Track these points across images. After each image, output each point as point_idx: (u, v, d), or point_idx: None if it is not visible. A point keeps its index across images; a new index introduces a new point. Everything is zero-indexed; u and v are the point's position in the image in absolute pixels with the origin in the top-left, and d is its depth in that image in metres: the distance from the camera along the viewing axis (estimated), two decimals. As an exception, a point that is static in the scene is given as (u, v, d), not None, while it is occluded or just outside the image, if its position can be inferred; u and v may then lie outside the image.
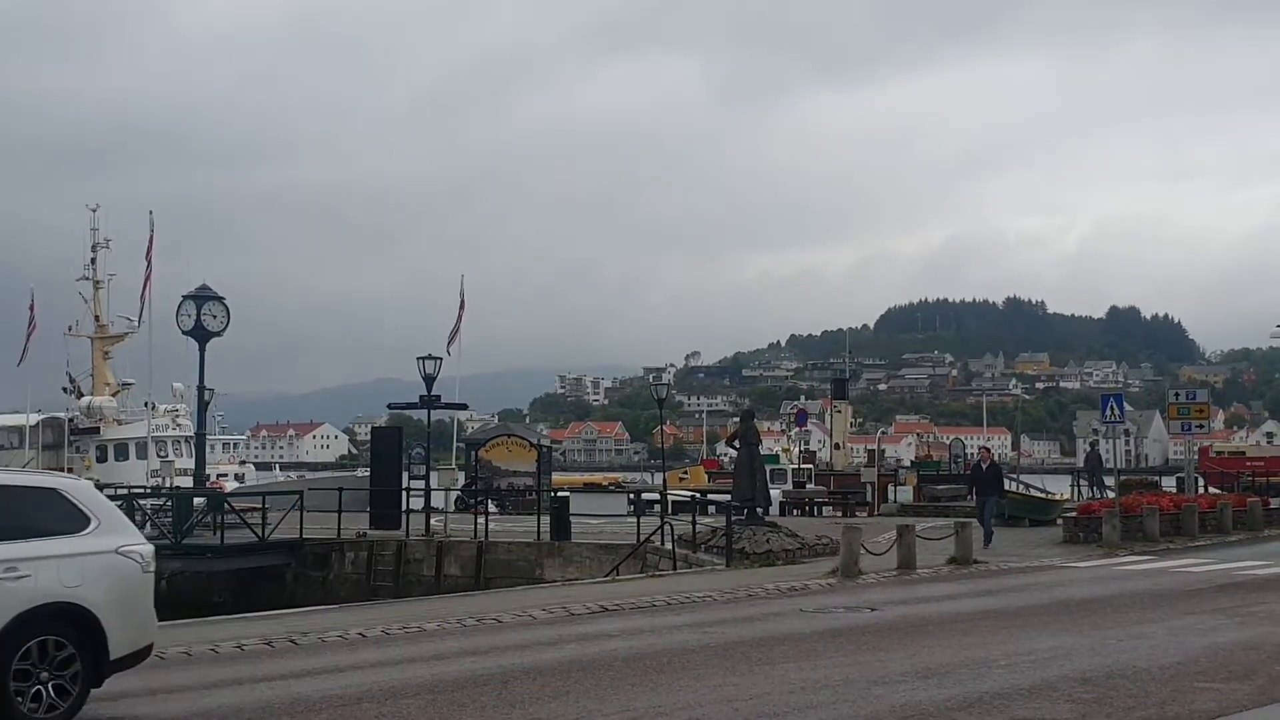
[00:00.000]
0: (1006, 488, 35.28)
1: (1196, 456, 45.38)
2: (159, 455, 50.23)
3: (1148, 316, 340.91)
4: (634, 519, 30.66)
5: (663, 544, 26.96)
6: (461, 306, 50.01)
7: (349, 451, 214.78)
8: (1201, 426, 37.42)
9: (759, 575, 22.62)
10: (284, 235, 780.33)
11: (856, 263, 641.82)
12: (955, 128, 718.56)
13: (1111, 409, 31.53)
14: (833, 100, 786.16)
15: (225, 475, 66.28)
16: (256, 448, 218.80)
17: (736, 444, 28.34)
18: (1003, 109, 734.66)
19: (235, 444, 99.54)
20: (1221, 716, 10.26)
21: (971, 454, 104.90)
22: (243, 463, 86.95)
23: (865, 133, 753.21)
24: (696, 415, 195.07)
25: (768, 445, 62.54)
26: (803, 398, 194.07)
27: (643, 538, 27.56)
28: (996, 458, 33.20)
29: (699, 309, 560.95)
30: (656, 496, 43.57)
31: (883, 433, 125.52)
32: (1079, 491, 47.84)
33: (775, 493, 40.03)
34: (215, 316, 30.85)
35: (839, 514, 42.71)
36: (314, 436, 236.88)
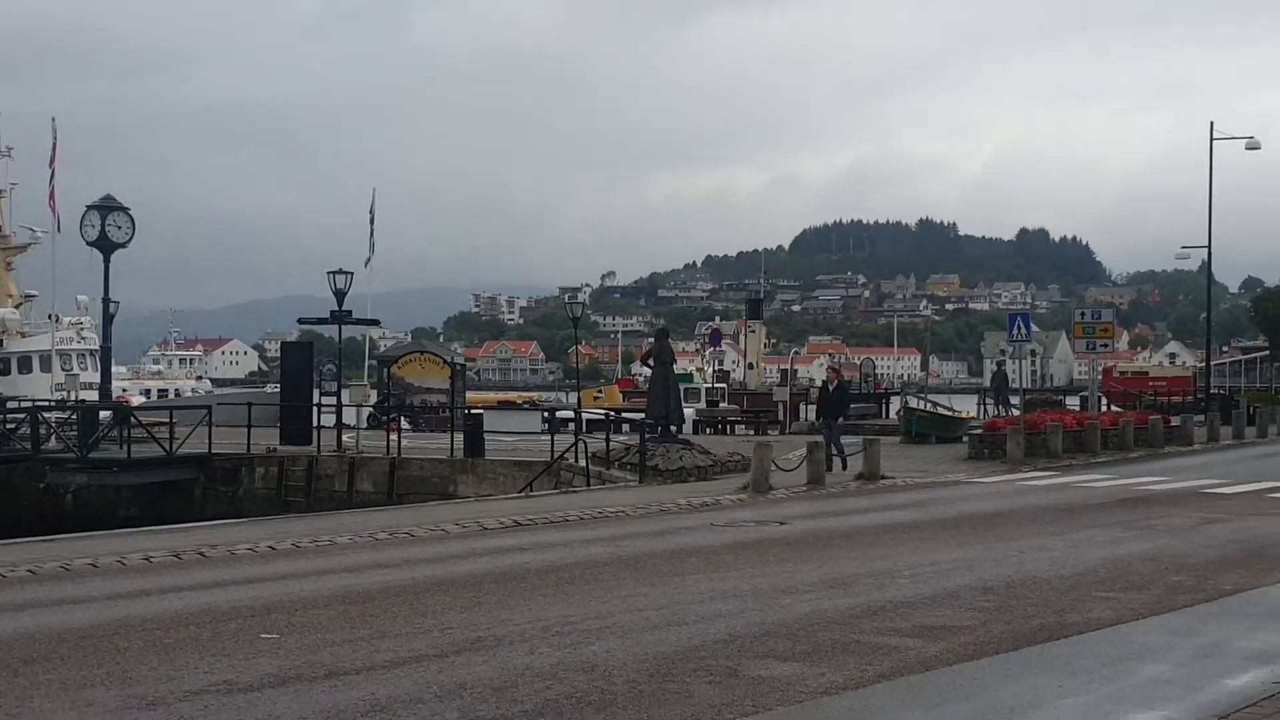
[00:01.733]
0: (852, 410, 34.69)
1: (1100, 376, 46.28)
2: (63, 369, 49.29)
3: (1056, 239, 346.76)
4: (548, 437, 30.74)
5: (576, 461, 27.05)
6: (372, 220, 49.33)
7: (259, 368, 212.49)
8: (1106, 346, 38.16)
9: (671, 491, 22.81)
10: (190, 150, 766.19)
11: (766, 183, 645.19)
12: (860, 50, 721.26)
13: (1019, 328, 32.04)
14: (739, 20, 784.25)
15: (182, 390, 65.48)
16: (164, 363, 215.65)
17: (651, 363, 28.40)
18: (907, 32, 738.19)
19: (192, 360, 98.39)
20: (1119, 624, 10.55)
21: (882, 374, 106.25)
22: (199, 377, 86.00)
23: (771, 54, 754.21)
24: (612, 335, 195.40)
25: (682, 365, 62.90)
26: (717, 318, 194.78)
27: (557, 455, 27.63)
28: (845, 378, 33.14)
29: (613, 229, 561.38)
30: (571, 415, 43.72)
31: (795, 353, 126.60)
32: (985, 410, 48.69)
33: (689, 411, 40.31)
34: (120, 227, 30.16)
35: (751, 432, 43.15)
36: (223, 353, 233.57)
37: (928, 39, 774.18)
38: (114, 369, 42.88)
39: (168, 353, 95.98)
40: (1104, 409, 43.11)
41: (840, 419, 27.97)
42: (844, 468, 26.08)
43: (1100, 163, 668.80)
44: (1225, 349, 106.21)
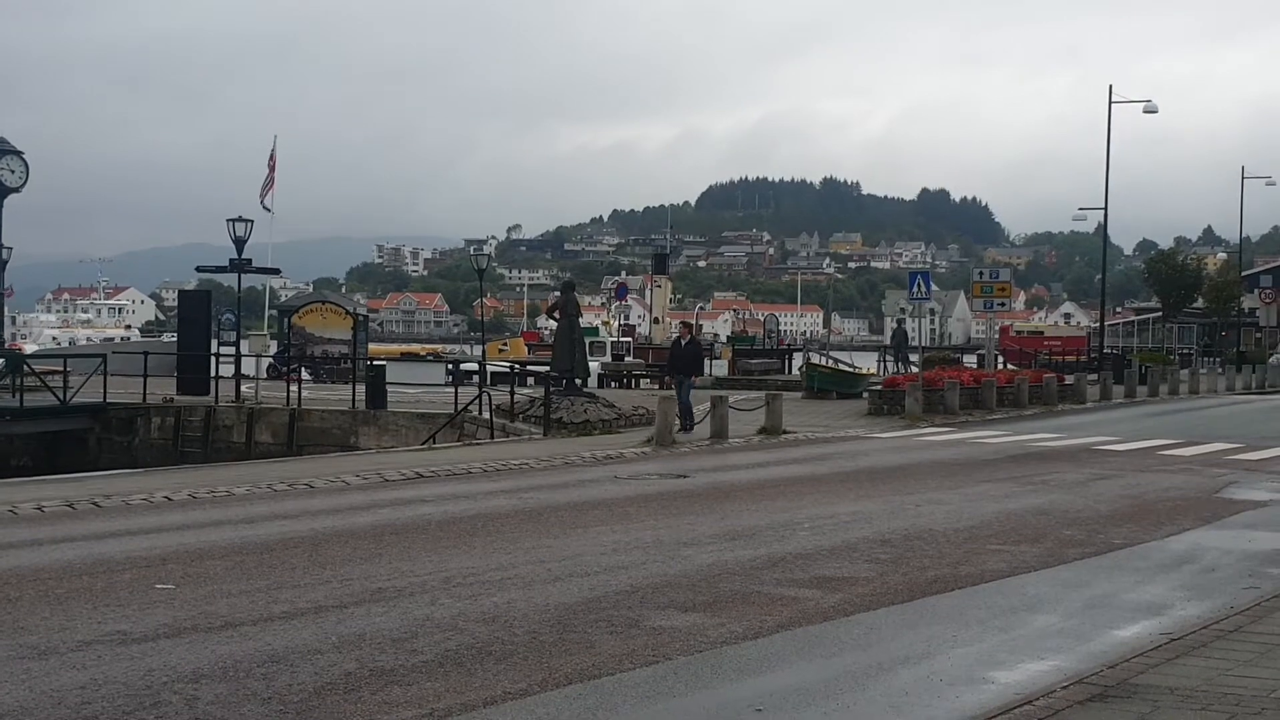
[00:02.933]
0: (707, 368, 32.97)
1: (997, 335, 47.06)
2: (-48, 316, 47.94)
3: (956, 199, 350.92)
4: (452, 389, 30.54)
5: (481, 414, 26.94)
6: (272, 167, 48.42)
7: (155, 317, 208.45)
8: (1003, 305, 38.77)
9: (576, 444, 22.82)
10: (83, 93, 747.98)
11: (673, 139, 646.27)
12: (767, 8, 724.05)
13: (919, 286, 32.42)
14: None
15: (111, 339, 64.09)
16: (59, 310, 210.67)
17: (557, 315, 28.33)
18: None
19: (120, 308, 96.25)
20: (1012, 576, 10.78)
21: (785, 330, 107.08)
22: (128, 326, 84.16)
23: (680, 8, 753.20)
24: (517, 289, 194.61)
25: (588, 319, 62.87)
26: (624, 273, 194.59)
27: (461, 408, 27.49)
28: (697, 334, 32.05)
29: (519, 182, 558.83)
30: (475, 367, 43.52)
31: (701, 308, 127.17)
32: (885, 367, 49.32)
33: (594, 365, 40.35)
34: (14, 171, 29.41)
35: (656, 386, 43.25)
36: (84, 300, 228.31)
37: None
38: (45, 317, 41.99)
39: (60, 301, 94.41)
40: (1000, 367, 43.87)
41: (694, 376, 26.38)
42: (688, 429, 24.24)
43: (998, 125, 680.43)
44: (1119, 310, 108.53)
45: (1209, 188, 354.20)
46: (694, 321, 72.68)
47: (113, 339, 63.22)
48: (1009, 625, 8.99)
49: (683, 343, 27.23)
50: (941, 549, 11.97)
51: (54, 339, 58.25)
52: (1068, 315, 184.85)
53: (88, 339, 67.35)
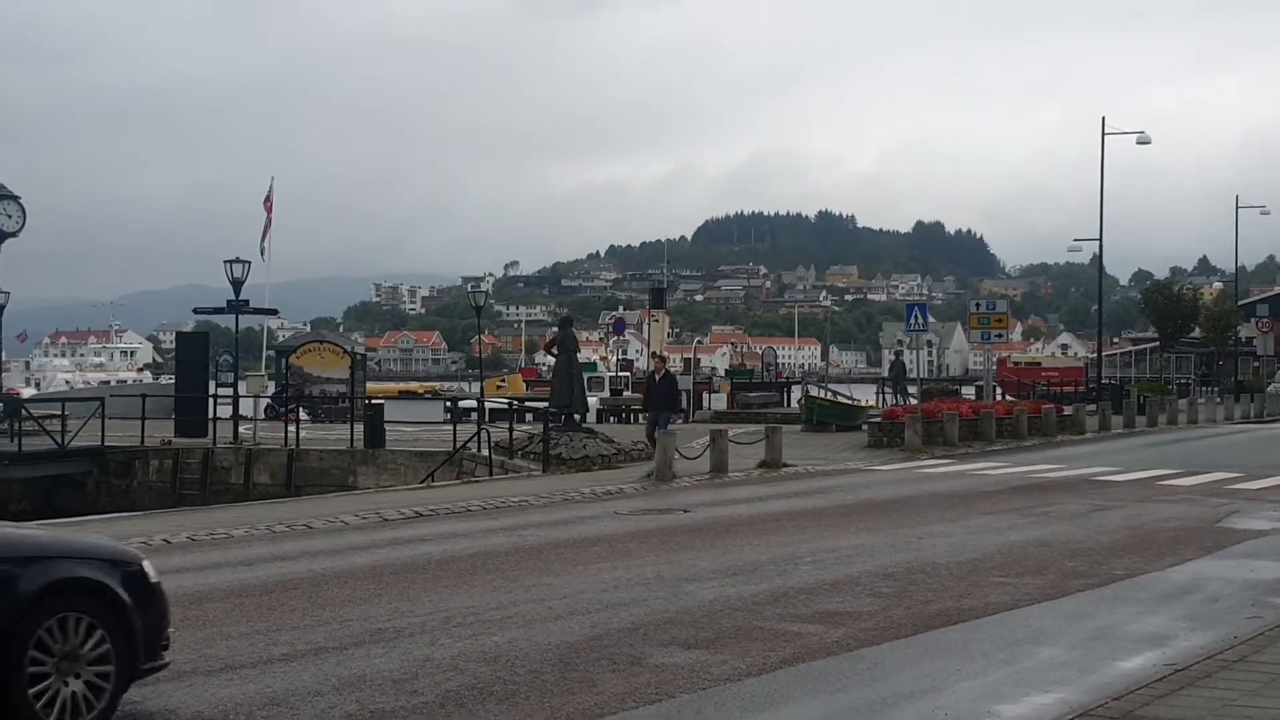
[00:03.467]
0: (684, 403, 31.84)
1: (995, 366, 47.08)
2: (-51, 361, 47.90)
3: (951, 231, 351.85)
4: (450, 427, 30.51)
5: (479, 451, 26.90)
6: (269, 208, 48.41)
7: (153, 359, 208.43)
8: (1000, 336, 38.75)
9: (575, 480, 22.76)
10: (74, 139, 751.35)
11: (665, 175, 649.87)
12: (754, 45, 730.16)
13: (916, 318, 32.49)
14: (633, 14, 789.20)
15: (124, 381, 64.04)
16: (55, 354, 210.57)
17: (555, 351, 28.32)
18: (800, 28, 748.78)
19: (132, 351, 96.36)
20: (1015, 609, 10.73)
21: (783, 363, 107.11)
22: (141, 369, 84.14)
23: (667, 48, 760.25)
24: (515, 325, 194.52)
25: (586, 355, 62.86)
26: (621, 308, 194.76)
27: (459, 445, 27.45)
28: (671, 369, 30.94)
29: (514, 219, 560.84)
30: (474, 405, 43.47)
31: (699, 342, 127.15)
32: (884, 399, 49.27)
33: (593, 400, 40.31)
34: (10, 216, 29.37)
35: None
36: (93, 344, 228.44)
37: (821, 35, 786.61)
38: (59, 361, 41.96)
39: (57, 345, 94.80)
40: (999, 398, 43.85)
41: (670, 413, 25.60)
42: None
43: (989, 157, 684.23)
44: (1116, 340, 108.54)
45: (1203, 218, 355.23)
46: (693, 354, 72.63)
47: (125, 381, 63.21)
48: (1013, 658, 8.94)
49: (657, 377, 26.73)
50: (944, 582, 11.92)
51: (67, 383, 58.43)
52: (1065, 346, 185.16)
53: (101, 382, 67.32)
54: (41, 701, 6.60)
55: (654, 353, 30.66)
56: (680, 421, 25.97)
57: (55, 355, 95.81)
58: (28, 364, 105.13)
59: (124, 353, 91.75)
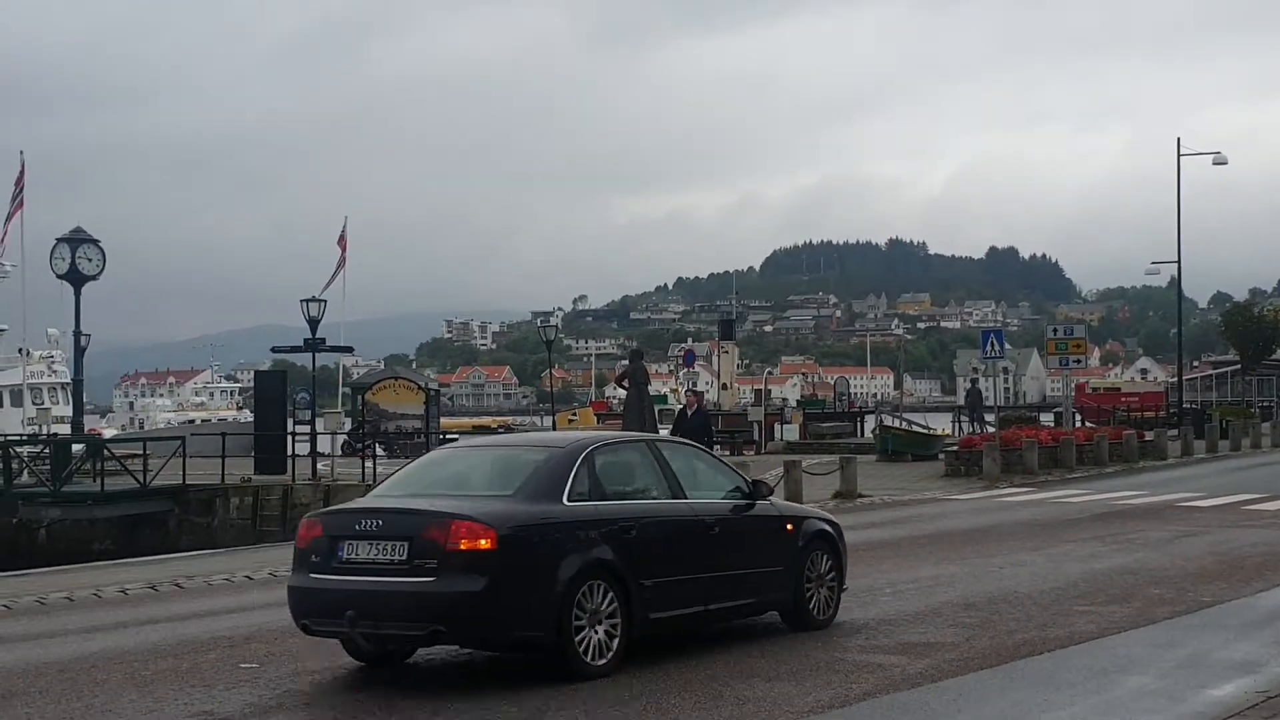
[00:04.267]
0: (716, 438, 30.26)
1: (1074, 392, 46.52)
2: (34, 403, 48.90)
3: (1026, 256, 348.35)
4: (524, 460, 30.50)
5: (552, 484, 26.88)
6: (343, 247, 49.02)
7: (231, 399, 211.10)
8: (1079, 362, 38.28)
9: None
10: (152, 183, 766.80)
11: (728, 206, 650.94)
12: (810, 75, 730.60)
13: (992, 344, 32.10)
14: (690, 49, 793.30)
15: (225, 419, 65.21)
16: (135, 395, 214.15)
17: (626, 384, 28.34)
18: (857, 56, 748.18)
19: (231, 391, 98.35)
20: (1102, 637, 10.57)
21: (855, 393, 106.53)
22: (240, 407, 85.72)
23: (724, 81, 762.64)
24: (585, 359, 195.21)
25: (657, 387, 62.84)
26: (690, 339, 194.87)
27: (533, 478, 27.45)
28: (706, 403, 28.69)
29: (579, 253, 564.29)
30: (546, 438, 43.52)
31: (769, 373, 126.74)
32: (960, 427, 48.81)
33: (664, 432, 40.25)
34: (91, 260, 29.91)
35: (727, 452, 43.07)
36: (195, 383, 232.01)
37: (882, 63, 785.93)
38: (161, 401, 42.73)
39: (139, 385, 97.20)
40: (1078, 425, 43.29)
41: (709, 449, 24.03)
42: None
43: (1056, 181, 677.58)
44: (1196, 364, 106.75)
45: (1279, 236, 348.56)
46: (763, 385, 72.38)
47: (225, 419, 64.15)
48: (1101, 687, 8.80)
49: (689, 413, 25.11)
50: (1028, 611, 11.77)
51: (169, 421, 59.74)
52: (1144, 371, 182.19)
53: (203, 420, 68.28)
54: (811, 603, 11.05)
55: (689, 388, 29.05)
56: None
57: (159, 395, 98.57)
58: (131, 404, 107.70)
59: (225, 392, 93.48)
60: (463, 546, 8.55)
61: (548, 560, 8.84)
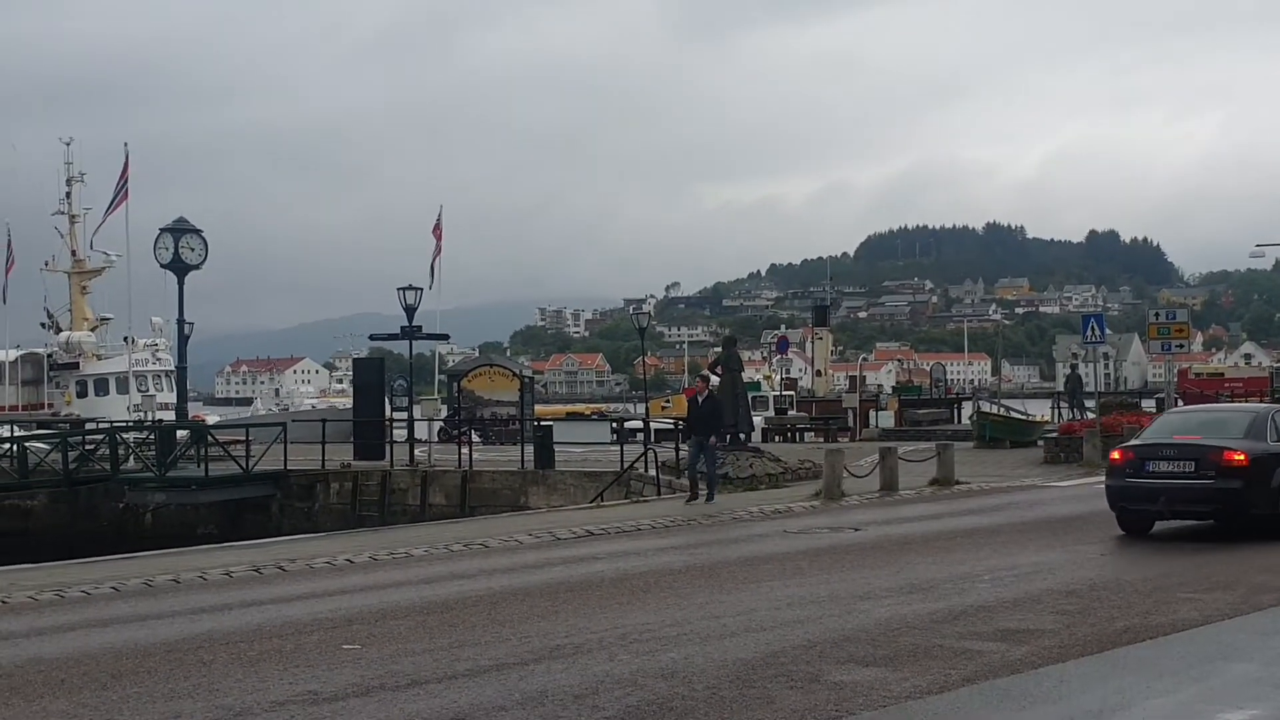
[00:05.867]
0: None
1: (1176, 377, 45.61)
2: (139, 390, 49.99)
3: (1126, 240, 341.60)
4: (617, 447, 30.71)
5: (646, 471, 27.04)
6: (439, 235, 49.45)
7: (330, 386, 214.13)
8: (1181, 346, 37.44)
9: (743, 499, 22.74)
10: (248, 175, 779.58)
11: (817, 192, 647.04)
12: (898, 60, 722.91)
13: (1092, 329, 31.59)
14: (776, 36, 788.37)
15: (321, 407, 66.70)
16: (237, 383, 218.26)
17: (719, 370, 28.34)
18: (948, 40, 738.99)
19: (340, 379, 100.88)
20: (1204, 625, 10.38)
21: (952, 379, 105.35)
22: (340, 393, 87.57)
23: (810, 66, 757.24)
24: (677, 346, 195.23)
25: (749, 374, 62.69)
26: (783, 326, 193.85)
27: (626, 465, 27.64)
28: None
29: (670, 240, 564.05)
30: (640, 425, 43.70)
31: (864, 360, 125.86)
32: (1059, 414, 48.08)
33: (758, 419, 40.15)
34: (193, 249, 30.58)
35: (821, 439, 42.89)
36: (294, 371, 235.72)
37: (974, 47, 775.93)
38: (304, 389, 43.42)
39: (240, 372, 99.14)
40: (1180, 410, 42.37)
41: (713, 438, 22.74)
42: (709, 499, 22.14)
43: (1153, 164, 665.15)
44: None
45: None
46: (858, 371, 72.00)
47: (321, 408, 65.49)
48: (1205, 675, 8.65)
49: (699, 399, 23.52)
50: (1129, 599, 11.59)
51: (313, 405, 62.30)
52: (1248, 356, 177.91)
53: (340, 405, 69.81)
54: None
55: (702, 374, 27.85)
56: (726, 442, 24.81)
57: (302, 383, 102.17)
58: (276, 391, 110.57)
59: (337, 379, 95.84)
60: (1234, 463, 15.18)
61: (1269, 473, 15.33)
